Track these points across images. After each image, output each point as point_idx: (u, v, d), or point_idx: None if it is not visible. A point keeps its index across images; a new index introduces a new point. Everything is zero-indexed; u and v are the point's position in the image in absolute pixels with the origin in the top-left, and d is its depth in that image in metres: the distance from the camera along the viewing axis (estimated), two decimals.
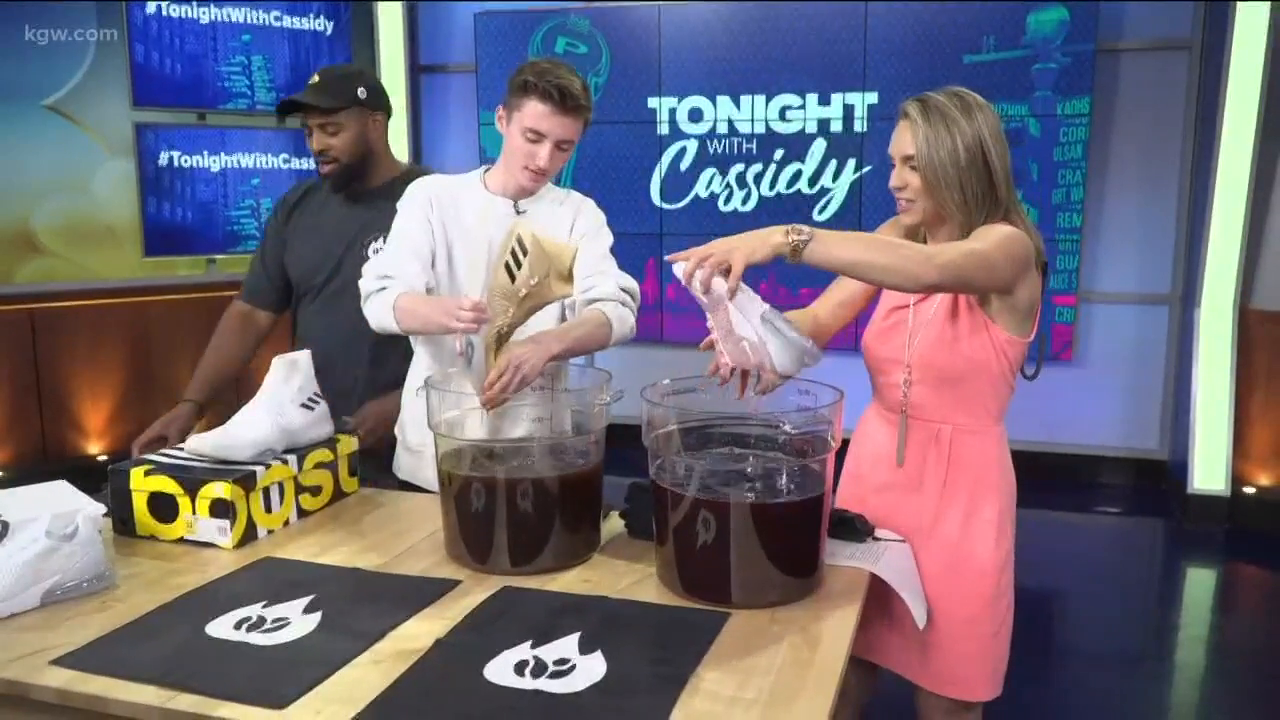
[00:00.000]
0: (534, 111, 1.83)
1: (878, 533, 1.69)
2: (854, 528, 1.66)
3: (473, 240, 1.93)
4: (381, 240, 2.21)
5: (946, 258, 1.47)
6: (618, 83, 4.98)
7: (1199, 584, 4.00)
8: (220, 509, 1.66)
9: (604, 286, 1.90)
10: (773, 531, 1.43)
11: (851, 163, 4.75)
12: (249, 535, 1.70)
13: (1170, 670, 3.17)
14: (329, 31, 4.99)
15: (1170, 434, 4.68)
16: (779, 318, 1.46)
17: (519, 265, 1.60)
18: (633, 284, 1.94)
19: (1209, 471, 4.21)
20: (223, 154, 4.77)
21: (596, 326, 1.83)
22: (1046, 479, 4.49)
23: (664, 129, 4.96)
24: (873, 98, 4.67)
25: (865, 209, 4.76)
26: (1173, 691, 3.03)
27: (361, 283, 1.90)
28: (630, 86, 4.96)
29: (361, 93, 2.23)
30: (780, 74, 4.77)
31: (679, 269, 1.39)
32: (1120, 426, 4.78)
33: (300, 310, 2.38)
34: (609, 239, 2.01)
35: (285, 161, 4.94)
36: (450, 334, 1.72)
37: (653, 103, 4.95)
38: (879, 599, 1.66)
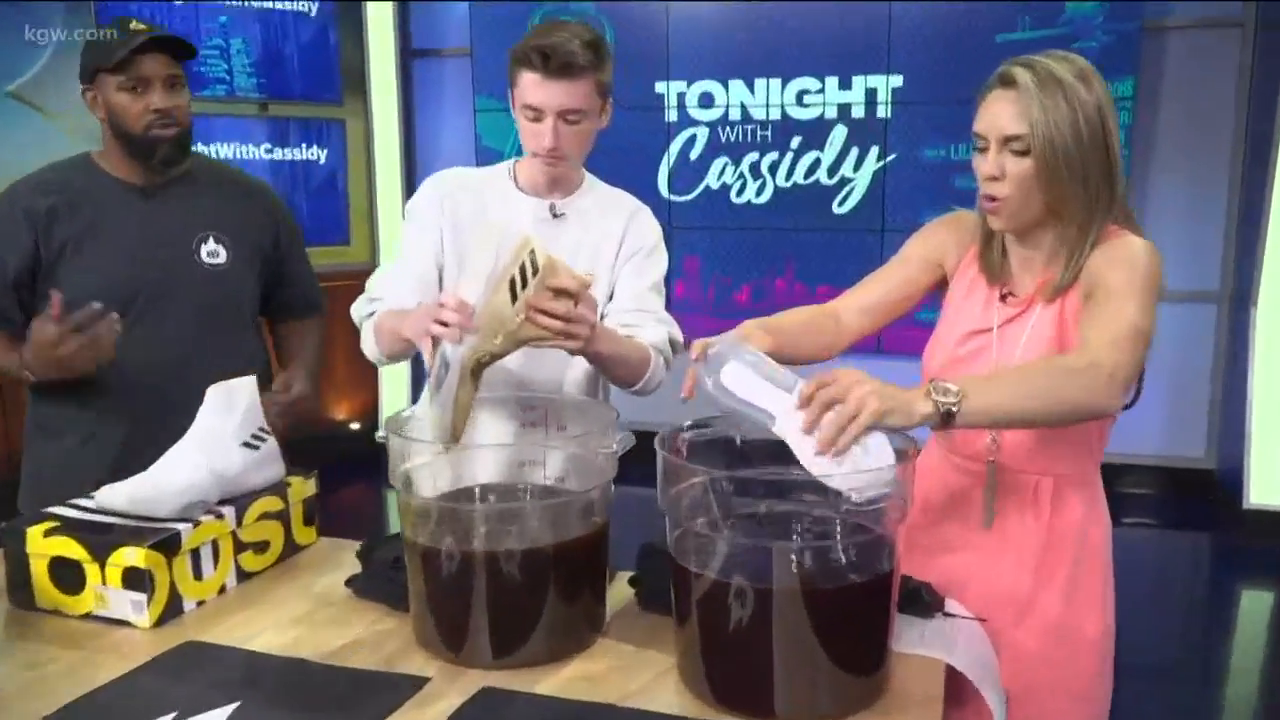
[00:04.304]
0: (525, 83, 1.57)
1: (947, 605, 1.37)
2: (920, 600, 1.34)
3: (483, 239, 1.62)
4: (213, 240, 1.91)
5: (1123, 369, 1.19)
6: (623, 66, 4.60)
7: (1255, 606, 3.71)
8: (134, 579, 1.34)
9: (652, 334, 1.63)
10: (829, 624, 1.11)
11: (874, 151, 4.45)
12: (172, 610, 1.38)
13: (1219, 701, 2.90)
14: (312, 12, 4.66)
15: (1218, 442, 4.37)
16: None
17: (524, 285, 1.30)
18: (679, 336, 1.68)
19: (1267, 484, 3.90)
20: (199, 145, 4.44)
21: (640, 361, 1.59)
22: None
23: (672, 115, 4.67)
24: (897, 80, 4.37)
25: (889, 201, 4.46)
26: None
27: (353, 309, 1.68)
28: (636, 70, 4.65)
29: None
30: (797, 55, 4.46)
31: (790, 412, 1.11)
32: (1162, 432, 4.45)
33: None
34: (661, 266, 1.73)
35: (268, 152, 4.62)
36: (427, 346, 1.38)
37: (660, 87, 4.66)
38: (949, 688, 1.33)
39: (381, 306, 1.63)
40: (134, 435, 1.82)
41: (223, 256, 1.92)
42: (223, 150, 4.50)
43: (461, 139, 5.00)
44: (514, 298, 1.31)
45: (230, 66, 4.50)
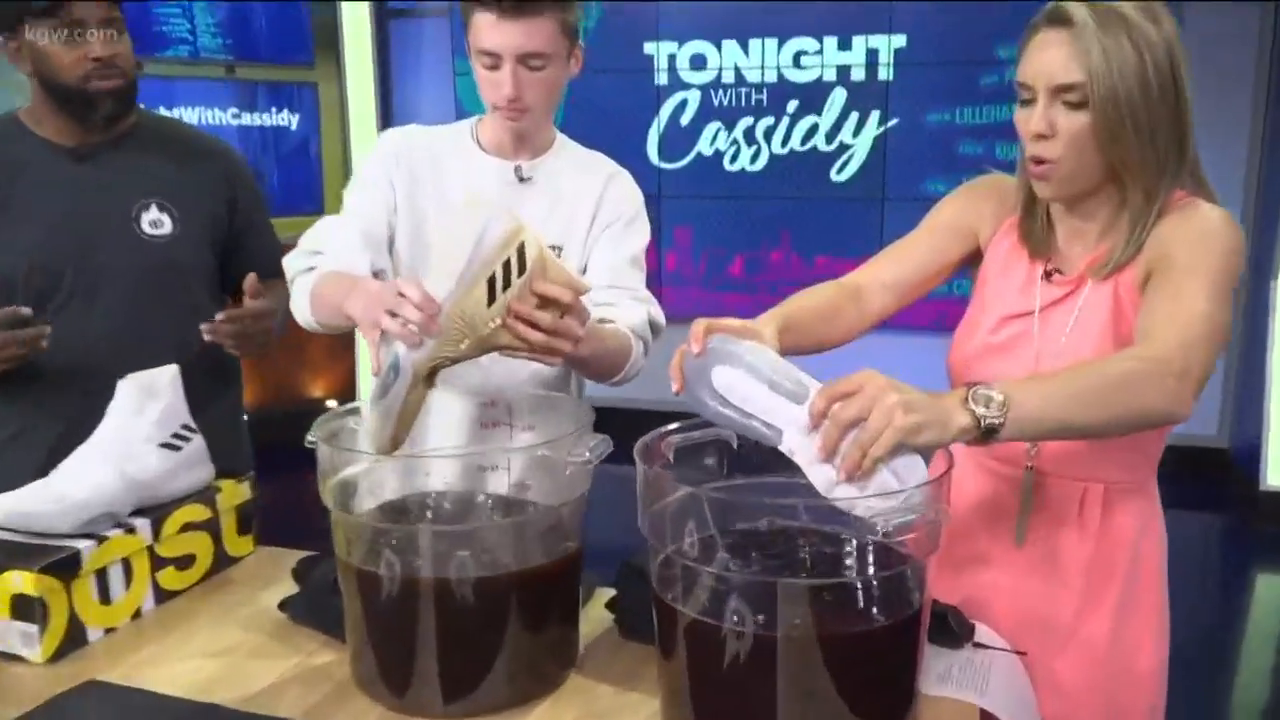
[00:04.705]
0: (480, 25, 1.38)
1: (978, 634, 1.18)
2: (946, 628, 1.15)
3: (455, 216, 1.41)
4: (156, 208, 1.70)
5: (1196, 368, 1.00)
6: (610, 25, 4.47)
7: (1271, 592, 3.60)
8: (23, 608, 1.14)
9: (630, 314, 1.43)
10: (844, 671, 0.92)
11: (875, 115, 4.27)
12: (73, 641, 1.19)
13: (1232, 688, 2.79)
14: None
15: (1232, 420, 4.23)
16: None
17: (507, 283, 1.08)
18: (660, 316, 1.49)
19: None
20: (162, 109, 4.20)
21: (620, 351, 1.39)
22: None
23: (662, 78, 4.48)
24: (900, 40, 4.19)
25: (890, 168, 4.28)
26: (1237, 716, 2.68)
27: (287, 260, 1.48)
28: (624, 29, 4.45)
29: None
30: (794, 14, 4.30)
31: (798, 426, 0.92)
32: None
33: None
34: (642, 237, 1.54)
35: (235, 117, 4.38)
36: (374, 339, 1.18)
37: (649, 48, 4.47)
38: None
39: (323, 263, 1.41)
40: (68, 432, 1.57)
41: (167, 226, 1.71)
42: (187, 116, 4.26)
43: (441, 103, 4.79)
44: (491, 298, 1.10)
45: (193, 26, 4.26)
